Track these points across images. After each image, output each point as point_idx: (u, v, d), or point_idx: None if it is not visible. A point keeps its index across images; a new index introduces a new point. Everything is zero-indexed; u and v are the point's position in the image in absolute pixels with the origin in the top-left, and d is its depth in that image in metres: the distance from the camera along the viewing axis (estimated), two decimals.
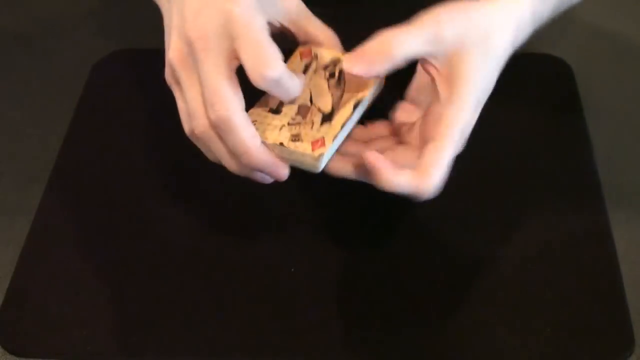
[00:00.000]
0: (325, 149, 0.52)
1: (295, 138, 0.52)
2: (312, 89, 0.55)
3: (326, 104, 0.54)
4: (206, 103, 0.50)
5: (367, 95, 0.55)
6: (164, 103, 0.72)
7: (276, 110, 0.54)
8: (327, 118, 0.54)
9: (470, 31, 0.53)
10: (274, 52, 0.50)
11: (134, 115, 0.72)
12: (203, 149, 0.54)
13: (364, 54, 0.52)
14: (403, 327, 0.57)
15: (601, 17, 0.79)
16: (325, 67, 0.56)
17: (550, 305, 0.57)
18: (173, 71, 0.52)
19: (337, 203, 0.64)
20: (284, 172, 0.53)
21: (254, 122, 0.52)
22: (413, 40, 0.52)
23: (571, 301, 0.58)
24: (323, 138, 0.52)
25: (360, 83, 0.55)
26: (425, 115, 0.55)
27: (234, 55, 0.50)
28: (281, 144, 0.52)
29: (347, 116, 0.54)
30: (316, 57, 0.57)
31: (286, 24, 0.55)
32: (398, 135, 0.57)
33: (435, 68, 0.53)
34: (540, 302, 0.58)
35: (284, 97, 0.52)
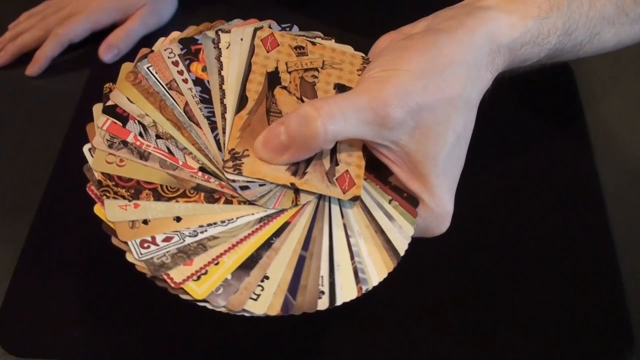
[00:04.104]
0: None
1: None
2: (282, 106, 0.45)
3: None
4: None
5: None
6: None
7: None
8: None
9: (428, 103, 0.41)
10: None
11: None
12: None
13: (275, 139, 0.41)
14: (403, 327, 0.56)
15: None
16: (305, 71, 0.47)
17: (550, 305, 0.57)
18: None
19: None
20: None
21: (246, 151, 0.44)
22: (348, 121, 0.40)
23: (571, 301, 0.58)
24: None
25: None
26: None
27: None
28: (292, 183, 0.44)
29: None
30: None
31: None
32: None
33: (388, 158, 0.44)
34: (540, 302, 0.58)
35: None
